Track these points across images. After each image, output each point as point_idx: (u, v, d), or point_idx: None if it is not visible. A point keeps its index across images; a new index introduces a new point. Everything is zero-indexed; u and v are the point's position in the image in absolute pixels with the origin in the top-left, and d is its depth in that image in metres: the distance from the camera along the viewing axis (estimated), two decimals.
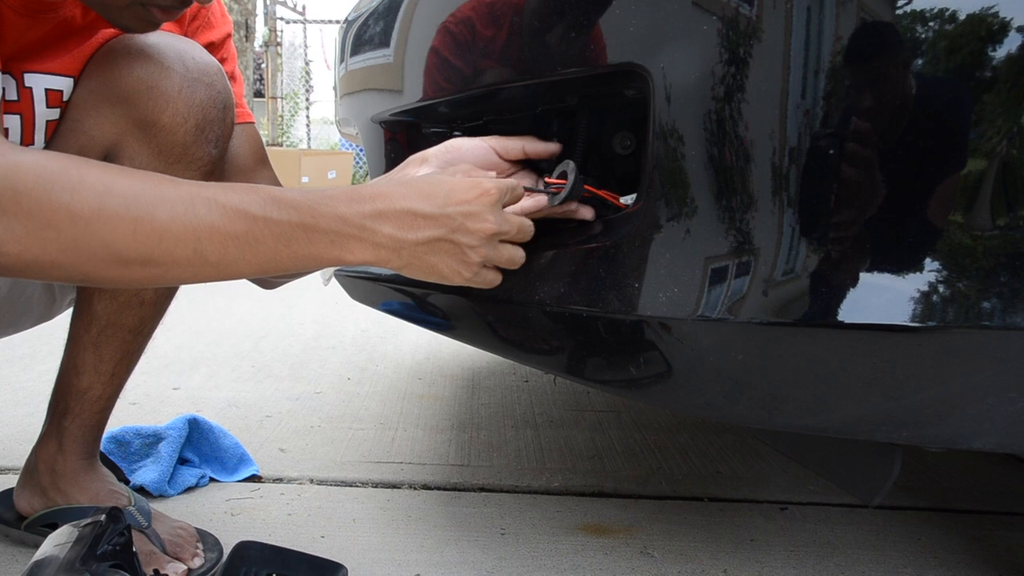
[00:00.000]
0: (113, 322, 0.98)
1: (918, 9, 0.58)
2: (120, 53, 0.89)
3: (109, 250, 0.65)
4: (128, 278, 0.68)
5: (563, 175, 0.84)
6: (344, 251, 0.71)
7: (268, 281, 1.09)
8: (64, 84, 0.89)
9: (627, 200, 0.85)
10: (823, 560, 1.08)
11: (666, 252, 0.69)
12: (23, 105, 0.86)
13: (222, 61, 1.02)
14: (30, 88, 0.87)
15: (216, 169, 0.96)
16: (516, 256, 0.78)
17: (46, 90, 0.88)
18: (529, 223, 0.79)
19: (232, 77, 1.04)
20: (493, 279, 0.78)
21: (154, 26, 0.84)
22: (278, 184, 1.02)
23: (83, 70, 0.90)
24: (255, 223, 0.68)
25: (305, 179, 5.71)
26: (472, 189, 0.74)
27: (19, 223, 0.63)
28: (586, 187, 0.83)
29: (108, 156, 0.90)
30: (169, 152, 0.90)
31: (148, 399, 1.69)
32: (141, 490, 1.18)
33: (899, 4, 0.58)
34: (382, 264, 0.73)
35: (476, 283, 0.77)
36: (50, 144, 0.89)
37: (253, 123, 1.09)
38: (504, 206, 0.77)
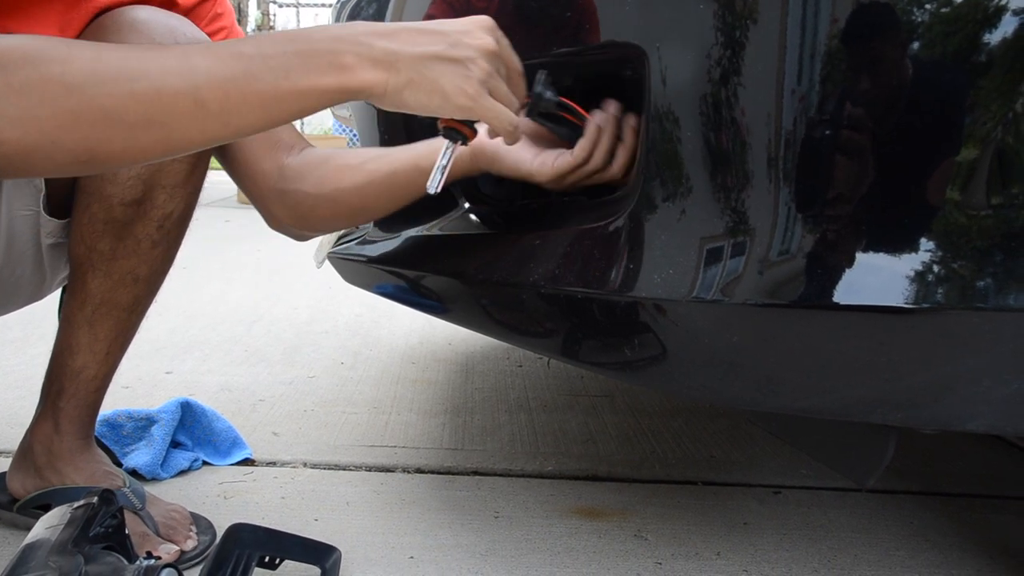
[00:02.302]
0: (107, 300, 0.97)
1: None
2: (110, 29, 0.88)
3: (108, 116, 0.63)
4: (135, 148, 0.66)
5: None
6: (343, 72, 0.69)
7: (301, 234, 1.07)
8: None
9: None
10: (816, 543, 1.09)
11: (661, 233, 0.69)
12: None
13: (215, 17, 1.02)
14: None
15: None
16: (513, 100, 0.75)
17: None
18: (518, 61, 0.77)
19: (230, 32, 1.04)
20: (500, 111, 0.73)
21: None
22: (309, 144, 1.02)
23: None
24: (251, 60, 0.67)
25: None
26: (468, 18, 0.74)
27: (11, 104, 0.61)
28: (563, 99, 0.83)
29: None
30: None
31: (141, 383, 1.68)
32: (134, 473, 1.18)
33: None
34: (382, 87, 0.70)
35: (481, 108, 0.72)
36: None
37: None
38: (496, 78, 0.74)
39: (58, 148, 0.63)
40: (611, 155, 0.85)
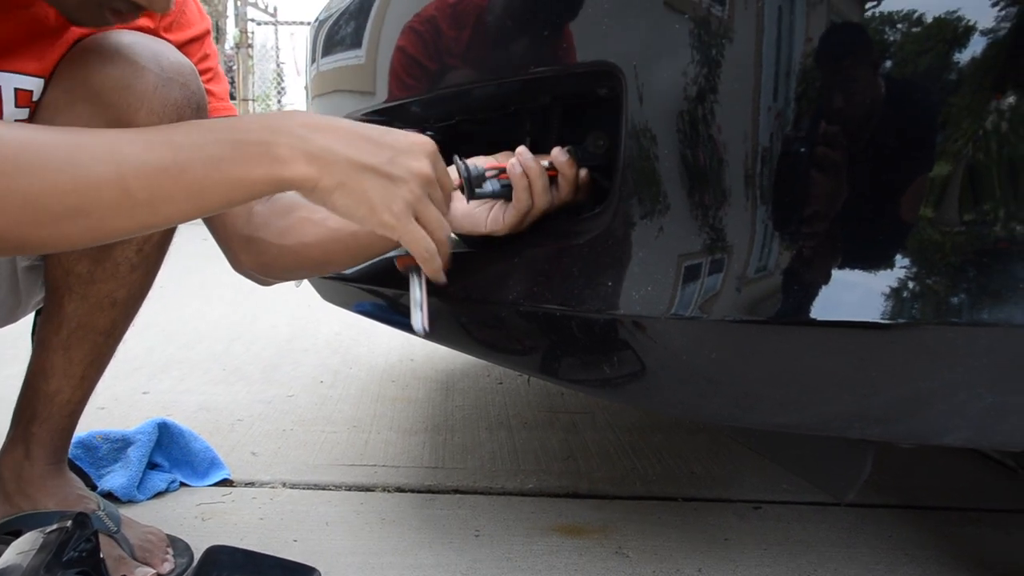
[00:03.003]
0: (84, 324, 0.96)
1: (886, 11, 0.58)
2: (93, 53, 0.87)
3: (33, 206, 0.62)
4: (63, 236, 0.65)
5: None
6: (276, 163, 0.67)
7: (265, 280, 1.06)
8: (34, 84, 0.87)
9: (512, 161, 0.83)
10: (796, 558, 1.09)
11: (639, 250, 0.69)
12: None
13: (203, 58, 1.01)
14: None
15: None
16: (444, 225, 0.75)
17: (15, 90, 0.86)
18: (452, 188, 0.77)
19: (215, 74, 1.03)
20: (420, 238, 0.73)
21: (105, 25, 0.82)
22: None
23: (54, 71, 0.88)
24: (181, 149, 0.65)
25: None
26: (410, 136, 0.73)
27: None
28: (488, 166, 0.83)
29: None
30: None
31: (117, 403, 1.66)
32: (110, 496, 1.17)
33: (867, 6, 0.59)
34: (312, 183, 0.68)
35: (404, 230, 0.72)
36: None
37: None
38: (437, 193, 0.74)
39: None
40: (549, 188, 0.84)
